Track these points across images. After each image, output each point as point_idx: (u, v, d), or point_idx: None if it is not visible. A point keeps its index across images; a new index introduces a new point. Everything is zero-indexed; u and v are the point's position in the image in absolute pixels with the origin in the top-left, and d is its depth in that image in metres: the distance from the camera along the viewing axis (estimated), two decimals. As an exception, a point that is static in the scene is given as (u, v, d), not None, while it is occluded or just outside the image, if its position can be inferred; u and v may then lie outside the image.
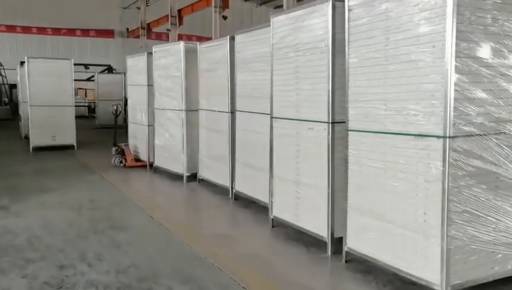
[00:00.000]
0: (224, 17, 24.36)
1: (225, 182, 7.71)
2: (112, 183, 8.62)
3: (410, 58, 3.76)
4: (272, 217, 5.87)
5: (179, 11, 27.72)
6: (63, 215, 6.39)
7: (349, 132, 4.45)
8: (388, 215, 4.03)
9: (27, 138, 14.75)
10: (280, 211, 5.70)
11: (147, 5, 32.47)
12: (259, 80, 6.54)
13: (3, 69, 26.40)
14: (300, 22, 5.11)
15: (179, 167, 8.97)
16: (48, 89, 12.84)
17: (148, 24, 31.98)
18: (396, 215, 3.94)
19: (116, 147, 10.65)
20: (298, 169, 5.30)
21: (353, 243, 4.50)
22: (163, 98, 9.37)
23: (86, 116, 27.60)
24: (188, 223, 6.19)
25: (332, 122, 4.74)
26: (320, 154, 4.91)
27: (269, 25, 6.15)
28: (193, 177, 8.77)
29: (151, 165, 10.17)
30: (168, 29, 28.13)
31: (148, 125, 10.22)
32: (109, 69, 26.22)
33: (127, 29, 35.09)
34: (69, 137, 13.26)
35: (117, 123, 11.29)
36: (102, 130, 19.40)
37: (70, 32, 32.85)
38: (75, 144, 13.33)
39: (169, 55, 9.05)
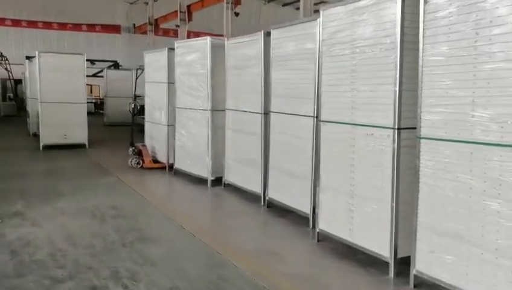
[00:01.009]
0: (236, 14, 23.85)
1: (256, 188, 7.18)
2: (131, 187, 8.09)
3: (509, 56, 3.20)
4: (317, 230, 5.32)
5: (188, 6, 27.16)
6: (85, 224, 5.86)
7: (422, 140, 3.90)
8: (475, 238, 3.49)
9: (36, 135, 14.29)
10: (328, 224, 5.15)
11: (154, 1, 31.95)
12: (300, 79, 6.00)
13: (9, 64, 25.87)
14: (359, 15, 4.56)
15: (203, 170, 8.44)
16: (60, 86, 12.31)
17: (156, 20, 31.46)
18: (487, 239, 3.39)
19: (133, 148, 10.09)
20: (352, 179, 4.75)
21: (423, 265, 3.97)
22: (186, 96, 8.83)
23: (93, 112, 27.05)
24: (224, 235, 5.64)
25: (398, 128, 4.18)
26: (381, 164, 4.37)
27: (312, 20, 5.65)
28: (217, 181, 8.24)
29: (170, 167, 9.64)
30: (177, 25, 27.62)
31: (168, 125, 9.69)
32: (115, 65, 25.70)
33: (134, 25, 34.54)
34: (80, 135, 12.74)
35: (135, 123, 10.65)
36: (112, 127, 18.91)
37: (76, 27, 32.32)
38: (86, 143, 12.81)
39: (194, 51, 8.50)
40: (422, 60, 3.86)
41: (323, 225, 5.24)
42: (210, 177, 8.30)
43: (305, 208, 5.94)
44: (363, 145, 4.60)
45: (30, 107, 15.25)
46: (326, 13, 5.04)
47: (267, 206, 6.83)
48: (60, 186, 8.06)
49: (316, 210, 5.62)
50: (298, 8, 36.80)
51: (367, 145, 4.54)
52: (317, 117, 5.65)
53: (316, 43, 5.58)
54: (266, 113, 6.94)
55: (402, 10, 4.09)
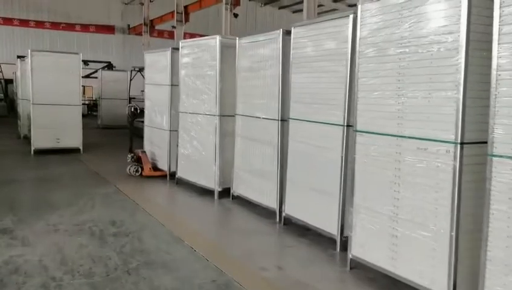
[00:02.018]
0: (235, 15, 23.22)
1: (270, 202, 6.51)
2: (131, 199, 7.38)
3: None
4: (350, 256, 4.64)
5: (185, 7, 26.46)
6: (83, 244, 5.15)
7: (495, 158, 3.23)
8: None
9: (26, 137, 13.56)
10: (363, 250, 4.48)
11: (150, 1, 31.25)
12: (326, 83, 5.34)
13: (-1, 63, 25.06)
14: (411, 9, 3.89)
15: (209, 180, 7.74)
16: (53, 86, 11.57)
17: (151, 21, 30.77)
18: None
19: (132, 154, 9.37)
20: (397, 200, 4.08)
21: (493, 308, 3.29)
22: (191, 100, 8.14)
23: (86, 114, 26.22)
24: (241, 260, 4.94)
25: (461, 143, 3.52)
26: (437, 184, 3.71)
27: (343, 16, 5.00)
28: (225, 192, 7.56)
29: (171, 175, 8.94)
30: (173, 27, 26.91)
31: (170, 131, 8.99)
32: (109, 66, 24.92)
33: (128, 25, 33.81)
34: (74, 139, 11.99)
35: (134, 127, 9.93)
36: (106, 131, 18.17)
37: (70, 27, 31.49)
38: (81, 148, 12.05)
39: (201, 51, 7.81)
40: (497, 62, 3.19)
41: (357, 250, 4.57)
42: (217, 189, 7.61)
43: (331, 228, 5.28)
44: (412, 161, 3.93)
45: (21, 108, 14.49)
46: (366, 7, 4.37)
47: (284, 224, 6.14)
48: (53, 197, 7.33)
49: (345, 231, 4.98)
50: (295, 11, 36.58)
51: (418, 161, 3.87)
52: (347, 126, 5.00)
53: (347, 42, 4.95)
54: (283, 120, 6.27)
55: (469, 3, 3.42)
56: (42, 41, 30.69)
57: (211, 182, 7.70)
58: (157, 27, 31.52)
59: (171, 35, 33.58)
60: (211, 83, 7.60)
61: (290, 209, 6.04)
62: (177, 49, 8.73)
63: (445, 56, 3.60)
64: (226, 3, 22.72)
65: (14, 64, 25.09)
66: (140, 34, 31.57)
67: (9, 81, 26.59)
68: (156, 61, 9.43)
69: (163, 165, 9.30)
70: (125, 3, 33.58)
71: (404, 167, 4.01)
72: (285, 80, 6.20)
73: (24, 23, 30.16)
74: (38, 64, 11.44)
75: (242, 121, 7.22)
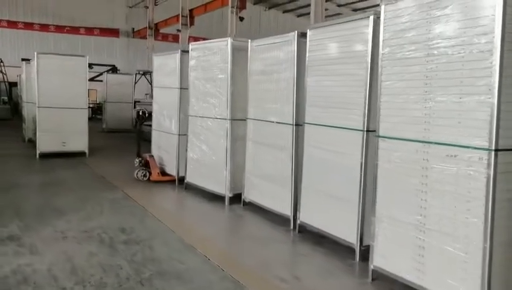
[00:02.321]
0: (241, 18, 23.13)
1: (283, 209, 6.33)
2: (140, 204, 7.20)
3: None
4: (371, 266, 4.45)
5: (191, 11, 26.39)
6: (93, 252, 4.97)
7: (534, 166, 3.04)
8: None
9: (31, 141, 13.42)
10: (386, 261, 4.29)
11: (155, 4, 31.23)
12: (344, 86, 5.17)
13: (4, 66, 24.95)
14: (440, 9, 3.72)
15: (219, 185, 7.56)
16: (59, 89, 11.42)
17: (156, 24, 30.72)
18: None
19: (140, 158, 9.19)
20: (424, 209, 3.90)
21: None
22: (201, 104, 7.97)
23: (90, 118, 26.05)
24: (259, 270, 4.75)
25: (495, 150, 3.33)
26: (468, 193, 3.52)
27: (363, 17, 4.83)
28: (236, 198, 7.38)
29: (180, 180, 8.76)
30: (178, 30, 26.86)
31: (179, 135, 8.81)
32: (113, 70, 24.84)
33: (133, 29, 33.77)
34: (80, 143, 11.82)
35: (141, 131, 9.76)
36: (111, 134, 18.02)
37: (74, 30, 31.47)
38: (86, 151, 11.89)
39: (212, 53, 7.64)
40: (537, 64, 3.01)
41: (379, 261, 4.38)
42: (228, 194, 7.43)
43: (349, 236, 5.09)
44: (440, 168, 3.74)
45: (26, 111, 14.33)
46: (391, 8, 4.20)
47: (298, 231, 5.95)
48: (60, 202, 7.16)
49: (365, 240, 4.80)
50: (300, 15, 36.50)
51: (447, 169, 3.69)
52: (367, 131, 4.82)
53: (367, 44, 4.77)
54: (298, 125, 6.09)
55: (504, 2, 3.25)
56: (47, 44, 30.64)
57: (222, 187, 7.52)
58: (161, 30, 31.48)
59: (175, 38, 33.58)
60: (222, 86, 7.43)
61: (305, 217, 5.86)
62: (187, 51, 8.57)
63: (478, 58, 3.42)
64: (232, 7, 22.65)
65: (19, 67, 25.13)
66: (144, 37, 31.59)
67: (13, 84, 26.49)
68: (165, 64, 9.27)
69: (171, 169, 9.12)
70: (130, 7, 33.57)
71: (431, 175, 3.83)
72: (300, 83, 6.03)
73: (28, 26, 30.18)
74: (45, 67, 11.29)
75: (254, 125, 7.05)
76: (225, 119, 7.40)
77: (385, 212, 4.30)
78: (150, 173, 9.12)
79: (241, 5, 23.20)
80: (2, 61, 24.71)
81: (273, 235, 5.95)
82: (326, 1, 17.89)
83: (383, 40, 4.29)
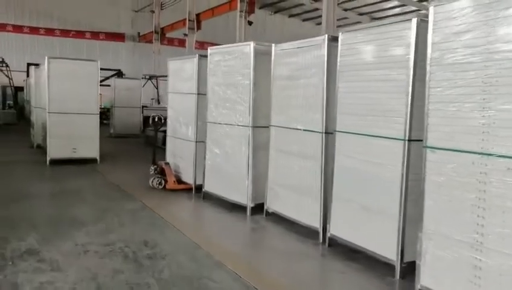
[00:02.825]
0: (250, 23, 22.91)
1: (311, 221, 6.06)
2: (159, 215, 6.93)
3: None
4: (418, 287, 4.16)
5: (197, 15, 26.18)
6: (117, 269, 4.69)
7: None
8: None
9: (40, 147, 13.18)
10: (437, 282, 4.01)
11: (161, 9, 31.07)
12: (382, 93, 4.90)
13: (9, 70, 24.76)
14: (499, 11, 3.44)
15: (240, 195, 7.29)
16: (70, 94, 11.17)
17: (162, 28, 30.54)
18: None
19: (156, 166, 8.92)
20: (481, 227, 3.61)
21: None
22: (220, 110, 7.70)
23: (96, 122, 25.83)
24: (295, 289, 4.46)
25: None
26: (536, 210, 3.22)
27: (405, 20, 4.56)
28: (257, 208, 7.10)
29: (197, 188, 8.49)
30: (185, 34, 26.66)
31: (196, 142, 8.54)
32: (119, 74, 24.62)
33: (138, 33, 33.61)
34: (91, 149, 11.56)
35: (157, 138, 9.48)
36: (120, 140, 17.75)
37: (79, 34, 31.33)
38: (98, 158, 11.61)
39: (233, 58, 7.38)
40: None
41: (427, 281, 4.09)
42: (250, 205, 7.14)
43: (388, 252, 4.80)
44: (502, 183, 3.45)
45: (35, 116, 14.08)
46: (442, 9, 3.92)
47: (328, 245, 5.66)
48: (76, 212, 6.88)
49: (405, 257, 4.51)
50: (305, 20, 36.29)
51: (510, 183, 3.39)
52: (409, 140, 4.53)
53: (409, 48, 4.50)
54: (328, 133, 5.81)
55: None
56: (52, 48, 30.47)
57: (243, 197, 7.25)
58: (167, 35, 31.30)
59: (181, 43, 33.41)
60: (244, 92, 7.16)
61: (336, 230, 5.57)
62: (205, 56, 8.33)
63: (548, 64, 3.13)
64: (241, 11, 22.43)
65: (24, 71, 24.97)
66: (150, 41, 31.43)
67: (19, 89, 26.32)
68: (181, 69, 9.00)
69: (187, 177, 8.85)
70: (136, 11, 33.42)
71: (490, 189, 3.54)
72: (330, 89, 5.75)
73: (34, 30, 30.03)
74: (55, 72, 11.05)
75: (278, 132, 6.78)
76: (247, 126, 7.12)
77: (434, 228, 4.01)
78: (166, 181, 8.84)
79: (250, 9, 22.97)
80: (8, 66, 24.49)
81: (302, 249, 5.66)
82: (339, 2, 17.66)
83: (432, 44, 4.02)
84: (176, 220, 6.74)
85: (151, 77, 26.71)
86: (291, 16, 36.35)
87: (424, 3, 26.85)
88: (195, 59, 8.42)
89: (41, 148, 13.25)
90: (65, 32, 31.04)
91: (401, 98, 4.60)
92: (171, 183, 8.77)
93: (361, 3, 29.08)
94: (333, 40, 5.72)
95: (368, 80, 5.09)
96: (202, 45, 28.07)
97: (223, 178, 7.68)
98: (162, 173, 8.96)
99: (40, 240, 5.52)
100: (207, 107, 8.03)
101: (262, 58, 7.05)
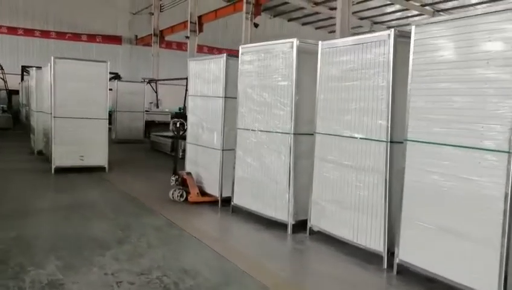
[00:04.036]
0: (256, 25, 22.23)
1: (371, 243, 5.29)
2: (190, 233, 6.16)
3: None
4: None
5: (199, 17, 25.44)
6: (163, 306, 3.85)
7: None
8: None
9: (41, 153, 12.35)
10: None
11: (160, 11, 30.31)
12: (478, 95, 4.16)
13: (4, 73, 23.82)
14: None
15: (278, 210, 6.52)
16: (77, 97, 10.34)
17: (161, 31, 29.78)
18: None
19: (177, 176, 8.10)
20: None
21: None
22: (254, 115, 6.92)
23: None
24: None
25: None
26: None
27: (503, 10, 3.80)
28: (298, 226, 6.32)
29: (223, 201, 7.69)
30: (187, 37, 25.90)
31: (222, 150, 7.74)
32: (116, 77, 23.77)
33: (136, 36, 32.82)
34: (99, 157, 10.73)
35: (178, 146, 8.66)
36: (123, 145, 16.91)
37: (76, 36, 30.47)
38: (106, 166, 10.77)
39: (271, 57, 6.61)
40: None
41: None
42: (291, 221, 6.36)
43: (483, 286, 4.03)
44: None
45: (36, 121, 13.18)
46: None
47: (397, 272, 4.87)
48: (96, 231, 6.07)
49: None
50: (304, 24, 35.67)
51: None
52: (515, 153, 3.77)
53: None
54: (394, 142, 5.04)
55: None
56: (47, 51, 29.50)
57: (281, 212, 6.47)
58: (166, 38, 30.55)
59: (179, 46, 32.69)
60: (284, 95, 6.39)
61: (407, 255, 4.80)
62: (233, 55, 7.57)
63: None
64: (247, 13, 21.72)
65: (18, 74, 24.03)
66: (148, 44, 30.69)
67: (13, 92, 25.37)
68: (205, 70, 8.21)
69: (212, 189, 8.05)
70: (133, 13, 32.60)
71: None
72: (396, 91, 4.99)
73: (29, 32, 29.11)
74: (62, 73, 10.20)
75: (325, 140, 6.01)
76: (288, 133, 6.35)
77: None
78: (187, 193, 8.02)
79: (256, 11, 22.29)
80: (2, 68, 23.56)
81: (364, 278, 4.89)
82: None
83: None
84: (210, 239, 5.95)
85: (150, 81, 25.88)
86: (290, 19, 35.75)
87: (427, 7, 26.39)
88: (223, 59, 7.64)
89: (43, 155, 12.42)
90: (61, 35, 30.16)
91: (506, 101, 3.84)
92: (194, 195, 7.96)
93: (363, 7, 28.50)
94: (402, 35, 4.96)
95: (456, 81, 4.33)
96: (201, 48, 27.29)
97: (256, 191, 6.90)
98: (183, 184, 8.14)
99: (61, 267, 4.69)
100: (237, 111, 7.25)
101: (303, 57, 6.30)
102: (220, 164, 7.77)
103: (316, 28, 35.66)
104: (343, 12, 16.23)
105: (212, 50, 33.23)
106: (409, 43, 4.82)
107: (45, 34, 29.84)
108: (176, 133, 8.29)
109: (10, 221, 6.34)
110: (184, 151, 13.96)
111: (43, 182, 9.46)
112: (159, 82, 26.57)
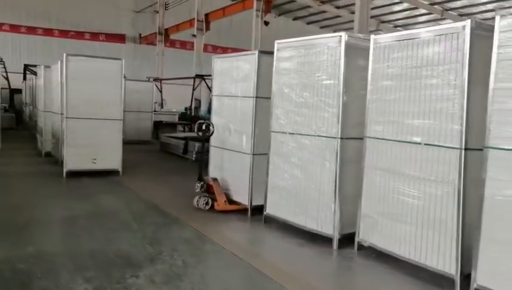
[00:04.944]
0: (266, 23, 21.64)
1: (439, 263, 4.69)
2: (225, 248, 5.54)
3: None
4: None
5: (207, 15, 24.83)
6: None
7: None
8: None
9: (49, 155, 11.77)
10: None
11: (166, 9, 29.70)
12: None
13: (6, 71, 23.17)
14: None
15: (320, 222, 5.92)
16: (91, 97, 9.71)
17: (166, 29, 29.19)
18: None
19: (202, 183, 7.47)
20: None
21: None
22: (292, 117, 6.32)
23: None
24: None
25: None
26: None
27: None
28: (344, 240, 5.69)
29: (253, 209, 7.08)
30: (193, 35, 25.32)
31: (253, 154, 7.12)
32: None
33: (140, 34, 32.22)
34: (113, 160, 10.11)
35: (205, 148, 8.03)
36: (131, 146, 16.14)
37: (79, 35, 29.88)
38: (120, 169, 10.14)
39: (314, 53, 6.00)
40: None
41: None
42: (336, 235, 5.74)
43: None
44: None
45: (44, 122, 12.55)
46: None
47: (474, 298, 4.26)
48: (123, 245, 5.46)
49: None
50: (309, 23, 35.09)
51: None
52: None
53: None
54: (469, 149, 4.42)
55: None
56: (50, 50, 29.01)
57: (325, 225, 5.86)
58: (171, 36, 29.97)
59: (183, 45, 32.12)
60: (329, 94, 5.78)
61: (486, 280, 4.19)
62: (266, 52, 6.96)
63: None
64: (257, 10, 21.12)
65: (21, 73, 23.39)
66: (152, 43, 30.16)
67: (16, 91, 24.73)
68: (233, 67, 7.58)
69: (239, 196, 7.44)
70: (137, 12, 32.01)
71: None
72: (472, 90, 4.37)
73: (31, 30, 28.49)
74: (75, 71, 9.56)
75: (378, 146, 5.40)
76: (334, 137, 5.73)
77: None
78: (213, 200, 7.40)
79: (266, 9, 21.70)
80: (4, 66, 22.92)
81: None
82: (347, 5, 16.48)
83: None
84: (249, 255, 5.37)
85: (155, 80, 25.27)
86: (295, 18, 35.15)
87: (436, 6, 25.82)
88: (255, 56, 7.02)
89: (51, 157, 11.83)
90: (64, 33, 29.57)
91: None
92: (221, 203, 7.34)
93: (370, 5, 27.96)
94: (480, 27, 4.35)
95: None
96: (206, 47, 26.70)
97: (294, 200, 6.28)
98: (209, 190, 7.51)
99: (94, 293, 4.05)
100: (271, 113, 6.63)
101: (350, 52, 5.69)
102: (250, 170, 7.16)
103: (321, 28, 35.01)
104: (361, 9, 15.67)
105: (217, 49, 32.69)
106: (484, 36, 4.21)
107: (48, 32, 29.29)
108: (201, 135, 7.64)
109: (26, 234, 5.73)
110: (197, 153, 13.53)
111: (56, 187, 8.84)
112: (163, 81, 25.96)
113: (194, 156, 13.36)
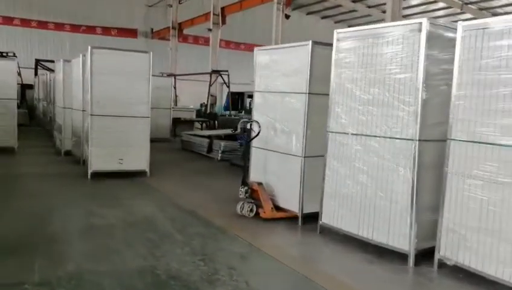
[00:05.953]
0: (287, 16, 20.88)
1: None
2: (286, 265, 4.89)
3: None
4: None
5: (223, 9, 24.10)
6: None
7: None
8: None
9: (69, 154, 11.12)
10: None
11: (179, 3, 29.00)
12: None
13: (19, 67, 22.52)
14: None
15: (393, 236, 5.21)
16: (118, 93, 9.02)
17: (180, 24, 28.50)
18: None
19: (246, 187, 6.76)
20: None
21: None
22: (356, 115, 5.60)
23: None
24: None
25: None
26: None
27: None
28: (419, 256, 4.96)
29: (304, 217, 6.38)
30: (209, 29, 24.66)
31: (304, 157, 6.40)
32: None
33: (152, 29, 31.61)
34: (140, 160, 9.46)
35: (249, 150, 7.30)
36: (151, 144, 15.44)
37: (90, 29, 29.34)
38: (147, 170, 9.46)
39: (384, 44, 5.28)
40: None
41: None
42: (413, 252, 5.01)
43: None
44: None
45: (63, 119, 11.87)
46: None
47: None
48: (173, 262, 4.77)
49: None
50: (324, 17, 34.32)
51: None
52: None
53: None
54: None
55: None
56: (61, 44, 28.51)
57: (398, 239, 5.15)
58: (184, 31, 29.29)
59: (196, 40, 31.48)
60: (404, 91, 5.05)
61: None
62: (321, 43, 6.24)
63: None
64: (278, 3, 20.36)
65: (32, 68, 22.79)
66: (164, 38, 29.62)
67: (27, 87, 24.17)
68: (280, 60, 6.87)
69: (287, 203, 6.75)
70: (149, 6, 31.41)
71: None
72: None
73: (43, 25, 27.98)
74: (100, 66, 8.86)
75: (468, 150, 4.66)
76: (410, 139, 4.99)
77: None
78: (260, 207, 6.70)
79: (287, 2, 20.90)
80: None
81: None
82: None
83: None
84: (316, 274, 4.70)
85: (169, 75, 24.62)
86: (309, 13, 34.45)
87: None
88: (308, 47, 6.29)
89: (71, 156, 11.20)
90: (75, 28, 29.01)
91: None
92: (268, 210, 6.63)
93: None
94: None
95: None
96: (219, 42, 25.98)
97: (358, 210, 5.57)
98: (253, 196, 6.81)
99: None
100: (330, 111, 5.91)
101: (436, 43, 4.97)
102: (301, 174, 6.45)
103: (336, 22, 34.29)
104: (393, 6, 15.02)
105: (229, 44, 32.07)
106: None
107: (59, 26, 28.80)
108: (245, 136, 6.92)
109: (58, 248, 5.05)
110: (223, 152, 12.84)
111: (82, 190, 8.16)
112: (178, 77, 25.29)
113: (220, 155, 12.70)
